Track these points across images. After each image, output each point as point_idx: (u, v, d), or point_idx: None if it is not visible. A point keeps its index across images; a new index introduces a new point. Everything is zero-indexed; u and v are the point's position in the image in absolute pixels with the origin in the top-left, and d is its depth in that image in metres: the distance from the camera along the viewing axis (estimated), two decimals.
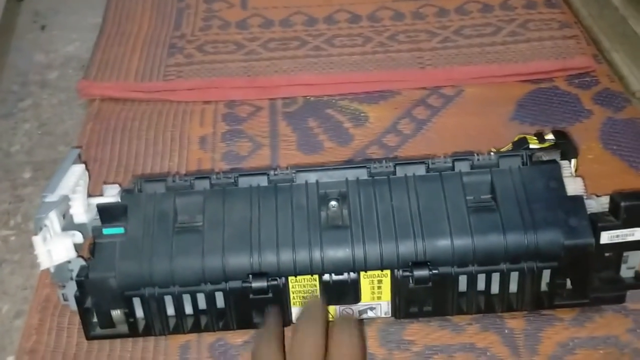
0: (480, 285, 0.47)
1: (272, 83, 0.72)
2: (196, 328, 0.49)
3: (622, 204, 0.44)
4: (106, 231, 0.47)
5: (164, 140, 0.66)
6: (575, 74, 0.70)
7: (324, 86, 0.71)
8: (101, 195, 0.51)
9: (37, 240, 0.46)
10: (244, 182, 0.49)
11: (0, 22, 0.75)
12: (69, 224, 0.49)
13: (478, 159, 0.49)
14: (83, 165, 0.51)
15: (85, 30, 0.77)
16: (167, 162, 0.64)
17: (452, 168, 0.49)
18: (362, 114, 0.68)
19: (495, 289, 0.48)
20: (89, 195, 0.52)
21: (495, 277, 0.47)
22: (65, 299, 0.49)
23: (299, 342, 0.41)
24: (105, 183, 0.52)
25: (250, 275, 0.46)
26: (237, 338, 0.50)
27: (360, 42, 0.76)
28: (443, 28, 0.77)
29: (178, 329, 0.49)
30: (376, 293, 0.48)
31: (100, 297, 0.47)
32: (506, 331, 0.49)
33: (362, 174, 0.49)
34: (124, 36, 0.80)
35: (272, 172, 0.49)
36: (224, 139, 0.66)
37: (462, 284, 0.47)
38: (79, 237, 0.48)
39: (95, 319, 0.48)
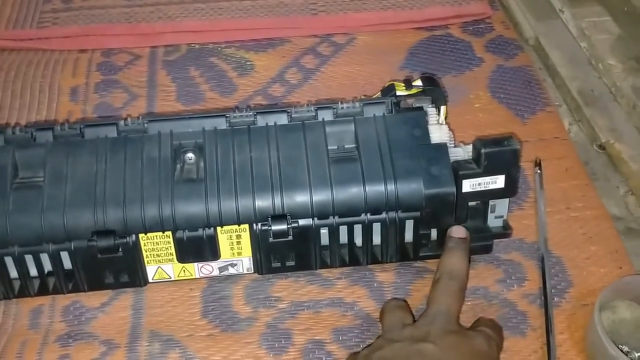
0: (343, 237, 0.46)
1: (154, 30, 0.67)
2: (44, 291, 0.46)
3: (483, 150, 0.43)
4: None
5: (32, 92, 0.62)
6: (470, 20, 0.68)
7: (210, 33, 0.67)
8: None
9: None
10: (90, 133, 0.46)
11: None
12: None
13: (342, 107, 0.46)
14: None
15: None
16: (34, 114, 0.60)
17: (316, 117, 0.46)
18: (247, 63, 0.65)
19: (358, 241, 0.46)
20: None
21: (358, 229, 0.45)
22: None
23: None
24: None
25: (95, 234, 0.43)
26: (95, 300, 0.47)
27: None
28: None
29: (24, 292, 0.45)
30: (236, 249, 0.45)
31: None
32: (375, 285, 0.48)
33: (221, 123, 0.46)
34: None
35: (121, 123, 0.46)
36: (97, 89, 0.62)
37: (325, 237, 0.45)
38: None
39: None
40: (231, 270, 0.47)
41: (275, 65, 0.64)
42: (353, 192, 0.44)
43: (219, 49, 0.66)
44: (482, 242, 0.47)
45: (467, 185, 0.43)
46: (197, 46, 0.66)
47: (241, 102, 0.61)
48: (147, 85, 0.62)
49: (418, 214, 0.44)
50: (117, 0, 0.71)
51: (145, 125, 0.46)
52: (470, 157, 0.45)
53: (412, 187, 0.44)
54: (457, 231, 0.45)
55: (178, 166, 0.45)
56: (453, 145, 0.46)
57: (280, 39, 0.67)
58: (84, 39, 0.66)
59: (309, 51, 0.66)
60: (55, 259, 0.44)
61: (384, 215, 0.44)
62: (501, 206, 0.46)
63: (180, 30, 0.67)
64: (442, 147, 0.45)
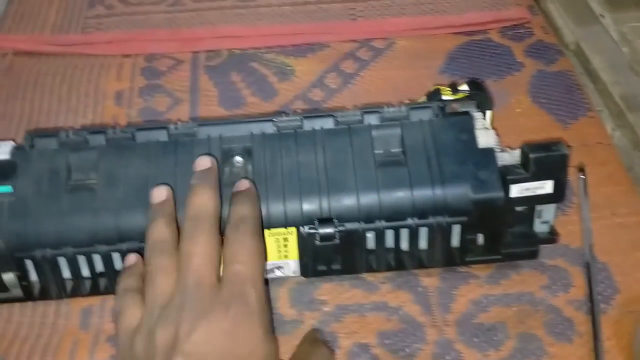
0: (389, 241, 0.46)
1: (195, 35, 0.68)
2: (95, 291, 0.46)
3: (531, 155, 0.43)
4: None
5: (78, 96, 0.63)
6: (509, 25, 0.68)
7: (250, 38, 0.68)
8: None
9: None
10: (142, 136, 0.46)
11: None
12: None
13: (388, 112, 0.47)
14: None
15: None
16: (81, 118, 0.61)
17: (362, 121, 0.47)
18: (288, 68, 0.65)
19: (404, 245, 0.46)
20: None
21: (404, 233, 0.45)
22: None
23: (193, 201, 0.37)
24: None
25: None
26: None
27: None
28: None
29: (76, 292, 0.46)
30: (283, 251, 0.46)
31: None
32: (420, 289, 0.48)
33: (268, 127, 0.47)
34: None
35: (172, 127, 0.46)
36: (141, 94, 0.63)
37: (371, 240, 0.46)
38: None
39: None
40: (277, 273, 0.47)
41: (315, 70, 0.65)
42: (400, 196, 0.44)
43: (259, 54, 0.67)
44: (528, 248, 0.47)
45: (515, 190, 0.43)
46: (237, 51, 0.67)
47: (282, 106, 0.62)
48: (190, 90, 0.63)
49: (465, 218, 0.44)
50: (158, 6, 0.72)
51: (195, 129, 0.46)
52: (518, 162, 0.45)
53: (459, 192, 0.44)
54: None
55: (227, 169, 0.46)
56: (499, 150, 0.46)
57: (319, 44, 0.67)
58: (127, 44, 0.67)
59: (348, 56, 0.66)
60: (107, 260, 0.45)
61: (431, 219, 0.44)
62: (548, 211, 0.46)
63: (221, 35, 0.68)
64: (489, 152, 0.45)
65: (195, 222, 0.36)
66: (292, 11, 0.71)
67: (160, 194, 0.40)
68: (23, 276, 0.45)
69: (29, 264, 0.45)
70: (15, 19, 0.71)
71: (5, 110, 0.62)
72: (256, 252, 0.36)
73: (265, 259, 0.39)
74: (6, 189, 0.44)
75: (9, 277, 0.46)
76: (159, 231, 0.38)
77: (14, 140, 0.49)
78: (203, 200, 0.37)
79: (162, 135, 0.46)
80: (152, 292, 0.35)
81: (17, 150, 0.47)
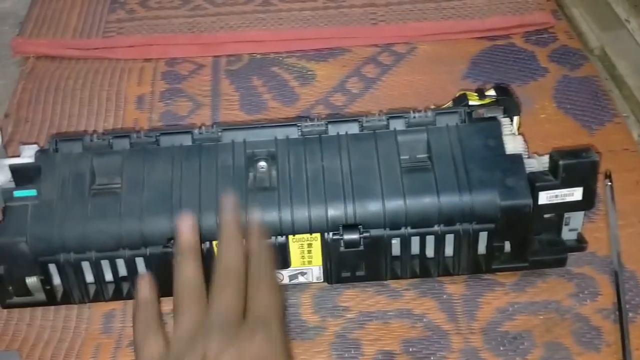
0: (415, 248, 0.45)
1: (216, 40, 0.68)
2: (118, 295, 0.46)
3: (561, 162, 0.42)
4: (17, 193, 0.44)
5: (99, 100, 0.63)
6: (533, 30, 0.67)
7: (271, 43, 0.68)
8: (18, 156, 0.48)
9: None
10: (166, 141, 0.46)
11: None
12: None
13: (414, 117, 0.46)
14: None
15: None
16: (102, 122, 0.61)
17: (387, 126, 0.46)
18: (309, 72, 0.65)
19: (430, 252, 0.46)
20: (6, 156, 0.49)
21: (430, 240, 0.45)
22: None
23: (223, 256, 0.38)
24: (23, 143, 0.49)
25: (172, 240, 0.43)
26: (165, 306, 0.48)
27: None
28: None
29: (98, 297, 0.46)
30: (306, 257, 0.45)
31: (12, 263, 0.44)
32: (444, 297, 0.48)
33: (293, 132, 0.47)
34: None
35: (196, 131, 0.46)
36: (162, 98, 0.63)
37: (396, 247, 0.45)
38: None
39: (10, 287, 0.46)
40: (301, 279, 0.47)
41: (336, 75, 0.65)
42: (426, 203, 0.43)
43: (280, 58, 0.67)
44: (556, 255, 0.46)
45: (544, 197, 0.43)
46: (258, 56, 0.67)
47: (303, 111, 0.61)
48: (211, 94, 0.63)
49: (492, 225, 0.44)
50: (179, 11, 0.72)
51: (219, 133, 0.46)
52: (546, 168, 0.44)
53: (487, 199, 0.43)
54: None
55: (251, 174, 0.45)
56: (527, 156, 0.45)
57: (340, 49, 0.67)
58: (148, 49, 0.67)
59: (369, 60, 0.66)
60: (131, 265, 0.45)
61: (457, 226, 0.44)
62: (576, 219, 0.46)
63: (242, 40, 0.68)
64: (517, 158, 0.44)
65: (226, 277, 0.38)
66: (313, 15, 0.71)
67: (186, 227, 0.39)
68: (46, 280, 0.45)
69: (53, 268, 0.45)
70: (37, 23, 0.72)
71: (28, 113, 0.62)
72: (275, 287, 0.38)
73: (283, 294, 0.41)
74: (30, 192, 0.44)
75: (32, 281, 0.46)
76: (188, 275, 0.39)
77: (37, 143, 0.49)
78: (231, 256, 0.38)
79: (186, 140, 0.46)
80: (179, 330, 0.37)
81: (42, 153, 0.47)
